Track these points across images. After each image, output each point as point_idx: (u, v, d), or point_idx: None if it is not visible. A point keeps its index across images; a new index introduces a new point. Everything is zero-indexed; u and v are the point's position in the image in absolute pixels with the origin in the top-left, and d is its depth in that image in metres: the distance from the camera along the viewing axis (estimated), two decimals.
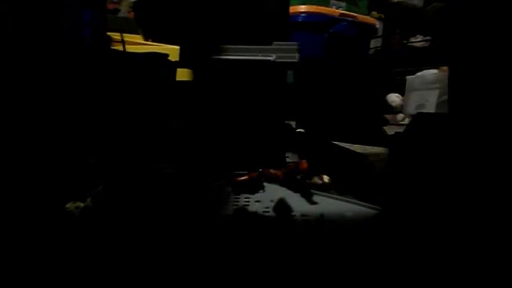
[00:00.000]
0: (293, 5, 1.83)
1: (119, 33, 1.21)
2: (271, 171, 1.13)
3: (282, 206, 0.88)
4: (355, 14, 2.02)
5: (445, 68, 2.15)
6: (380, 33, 2.65)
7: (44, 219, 0.74)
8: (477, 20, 0.80)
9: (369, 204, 0.94)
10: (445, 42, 2.16)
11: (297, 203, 0.94)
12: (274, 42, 1.28)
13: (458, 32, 0.85)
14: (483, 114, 0.79)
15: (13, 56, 0.83)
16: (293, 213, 0.87)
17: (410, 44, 2.76)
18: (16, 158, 0.80)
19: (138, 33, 1.52)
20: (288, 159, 1.31)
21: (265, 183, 1.09)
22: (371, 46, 2.42)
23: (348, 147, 1.29)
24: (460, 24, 0.85)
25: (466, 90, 0.83)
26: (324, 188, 1.04)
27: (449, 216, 0.74)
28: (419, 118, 1.01)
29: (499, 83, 0.76)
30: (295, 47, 1.28)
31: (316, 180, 1.06)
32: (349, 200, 0.98)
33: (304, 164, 1.08)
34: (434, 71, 2.20)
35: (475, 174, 0.75)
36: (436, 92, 2.10)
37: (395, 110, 2.38)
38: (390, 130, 1.83)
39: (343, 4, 2.02)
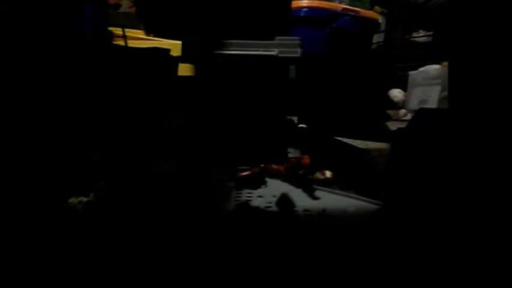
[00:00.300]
0: None
1: (120, 28, 1.21)
2: (274, 166, 1.13)
3: (284, 201, 0.88)
4: (357, 9, 2.00)
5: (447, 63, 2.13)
6: (383, 28, 2.64)
7: (47, 213, 0.75)
8: (478, 15, 0.79)
9: (371, 200, 0.94)
10: (446, 37, 2.15)
11: (299, 198, 0.94)
12: (277, 37, 1.27)
13: (459, 27, 0.85)
14: (485, 110, 0.78)
15: (14, 52, 0.82)
16: (296, 209, 0.87)
17: (412, 39, 2.74)
18: (19, 153, 0.81)
19: (139, 28, 1.51)
20: (290, 155, 1.31)
21: (267, 179, 1.09)
22: (373, 41, 2.40)
23: (350, 142, 1.29)
24: (460, 20, 0.84)
25: (466, 86, 0.83)
26: (326, 183, 1.05)
27: (451, 212, 0.74)
28: (421, 114, 1.01)
29: (500, 79, 0.75)
30: (298, 41, 1.28)
31: (319, 175, 1.06)
32: (352, 195, 0.98)
33: (307, 159, 1.08)
34: (437, 66, 2.19)
35: (478, 170, 0.75)
36: (438, 88, 2.09)
37: (397, 106, 2.37)
38: (392, 126, 1.82)
39: None
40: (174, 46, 1.26)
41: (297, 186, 1.05)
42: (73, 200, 0.80)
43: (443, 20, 2.32)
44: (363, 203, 0.94)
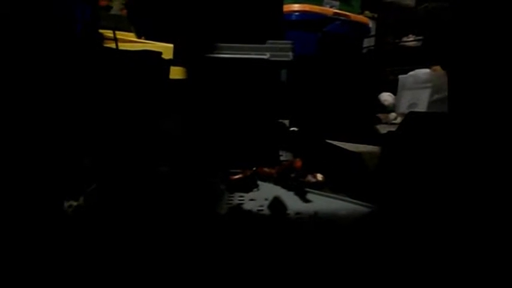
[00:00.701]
0: (287, 3, 1.83)
1: (111, 31, 1.20)
2: (266, 169, 1.14)
3: (276, 204, 0.89)
4: (348, 13, 2.02)
5: (437, 67, 2.17)
6: (373, 32, 2.67)
7: (38, 218, 0.73)
8: (480, 19, 0.80)
9: (362, 202, 0.94)
10: (438, 41, 2.18)
11: (291, 201, 0.94)
12: (268, 41, 1.27)
13: (461, 31, 0.86)
14: (478, 114, 0.80)
15: (4, 55, 0.81)
16: (288, 212, 0.87)
17: (402, 43, 2.78)
18: (9, 157, 0.79)
19: (131, 31, 1.50)
20: (282, 158, 1.32)
21: (259, 182, 1.09)
22: (364, 45, 2.43)
23: (341, 145, 1.29)
24: (463, 24, 0.85)
25: (465, 89, 0.84)
26: (317, 186, 1.05)
27: (441, 214, 0.75)
28: (411, 117, 1.02)
29: (497, 82, 0.77)
30: (289, 45, 1.29)
31: (310, 178, 1.07)
32: (343, 198, 0.99)
33: (298, 163, 1.08)
34: (426, 70, 2.22)
35: (467, 172, 0.76)
36: (428, 91, 2.12)
37: (387, 109, 2.39)
38: (382, 129, 1.84)
39: (337, 3, 2.03)
40: (166, 49, 1.26)
41: (289, 189, 1.05)
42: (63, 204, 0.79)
43: (434, 24, 2.36)
44: (354, 205, 0.94)
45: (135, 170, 1.02)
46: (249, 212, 0.86)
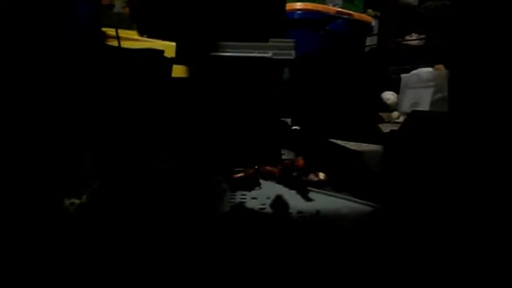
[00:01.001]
0: (289, 2, 1.83)
1: (113, 29, 1.20)
2: (268, 168, 1.14)
3: (279, 202, 0.89)
4: (351, 12, 2.02)
5: (440, 66, 2.16)
6: (375, 31, 2.66)
7: (40, 216, 0.74)
8: (481, 18, 0.80)
9: (364, 201, 0.94)
10: (441, 40, 2.18)
11: (293, 200, 0.94)
12: (271, 39, 1.27)
13: (463, 30, 0.86)
14: (479, 113, 0.79)
15: (7, 52, 0.81)
16: (290, 210, 0.87)
17: (405, 42, 2.77)
18: (11, 154, 0.80)
19: (133, 29, 1.50)
20: (284, 156, 1.32)
21: (261, 180, 1.09)
22: (366, 44, 2.42)
23: (343, 144, 1.29)
24: (465, 23, 0.85)
25: (466, 89, 0.84)
26: (319, 185, 1.05)
27: (444, 212, 0.75)
28: (414, 116, 1.02)
29: (498, 82, 0.76)
30: (292, 44, 1.28)
31: (312, 177, 1.07)
32: (345, 197, 0.99)
33: (301, 161, 1.08)
34: (429, 69, 2.21)
35: (469, 171, 0.76)
36: (430, 90, 2.11)
37: (390, 108, 2.39)
38: (385, 128, 1.83)
39: (339, 2, 2.02)
40: (168, 47, 1.26)
41: (291, 187, 1.05)
42: (65, 202, 0.79)
43: (437, 23, 2.35)
44: (356, 204, 0.94)
45: (136, 169, 1.02)
46: (251, 210, 0.87)
